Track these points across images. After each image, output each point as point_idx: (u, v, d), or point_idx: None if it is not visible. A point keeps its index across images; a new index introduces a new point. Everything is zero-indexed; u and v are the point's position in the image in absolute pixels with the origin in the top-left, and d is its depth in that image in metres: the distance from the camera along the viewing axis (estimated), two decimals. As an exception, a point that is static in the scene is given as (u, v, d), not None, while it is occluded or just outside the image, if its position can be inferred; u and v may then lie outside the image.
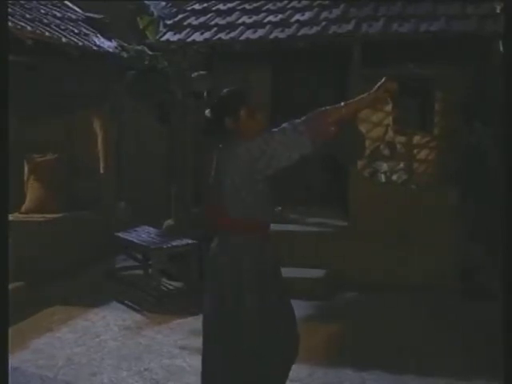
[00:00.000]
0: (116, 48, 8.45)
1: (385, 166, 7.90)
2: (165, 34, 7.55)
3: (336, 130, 3.35)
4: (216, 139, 3.51)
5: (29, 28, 6.75)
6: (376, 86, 3.41)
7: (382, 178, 7.81)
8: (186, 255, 6.62)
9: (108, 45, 8.35)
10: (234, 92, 3.47)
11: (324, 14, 7.27)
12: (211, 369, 3.48)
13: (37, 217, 7.56)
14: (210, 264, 3.52)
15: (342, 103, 3.41)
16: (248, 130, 3.38)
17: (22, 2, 7.57)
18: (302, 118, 3.34)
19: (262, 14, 7.50)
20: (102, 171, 8.35)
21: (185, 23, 7.60)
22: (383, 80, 3.42)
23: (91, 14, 8.81)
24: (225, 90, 3.48)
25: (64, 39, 7.35)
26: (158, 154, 9.20)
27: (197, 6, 7.96)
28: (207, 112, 3.49)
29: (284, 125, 3.35)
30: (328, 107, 3.38)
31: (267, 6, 7.67)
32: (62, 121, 8.21)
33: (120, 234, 7.01)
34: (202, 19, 7.62)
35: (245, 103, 3.40)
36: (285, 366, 3.57)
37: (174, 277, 6.91)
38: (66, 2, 9.01)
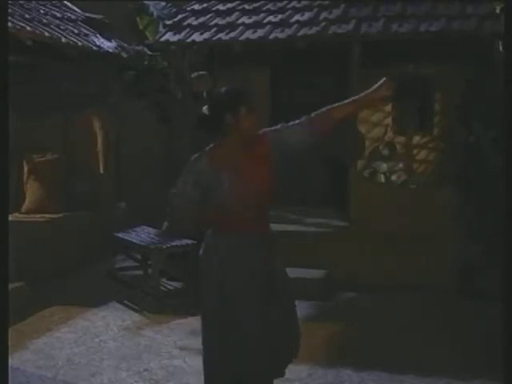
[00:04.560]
0: (116, 48, 8.45)
1: (384, 167, 7.89)
2: (164, 34, 7.54)
3: (333, 126, 3.43)
4: (213, 135, 3.51)
5: (28, 28, 6.75)
6: (378, 84, 3.47)
7: (382, 178, 7.81)
8: (185, 255, 6.61)
9: (108, 45, 8.34)
10: (235, 89, 3.47)
11: (324, 15, 7.27)
12: (213, 368, 3.48)
13: (37, 217, 7.57)
14: (204, 263, 3.53)
15: (346, 100, 3.49)
16: (247, 127, 3.39)
17: (22, 2, 7.57)
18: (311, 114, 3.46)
19: (262, 15, 7.49)
20: (101, 171, 8.35)
21: (184, 23, 7.59)
22: (383, 80, 3.47)
23: (91, 14, 8.80)
24: (224, 88, 3.49)
25: (63, 39, 7.35)
26: (158, 153, 9.19)
27: (196, 7, 7.95)
28: (205, 108, 3.49)
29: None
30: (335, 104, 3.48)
31: (267, 6, 7.65)
32: (61, 121, 8.21)
33: (120, 234, 7.00)
34: (201, 19, 7.61)
35: (244, 101, 3.41)
36: (283, 362, 3.58)
37: (173, 277, 6.90)
38: (66, 2, 9.00)
